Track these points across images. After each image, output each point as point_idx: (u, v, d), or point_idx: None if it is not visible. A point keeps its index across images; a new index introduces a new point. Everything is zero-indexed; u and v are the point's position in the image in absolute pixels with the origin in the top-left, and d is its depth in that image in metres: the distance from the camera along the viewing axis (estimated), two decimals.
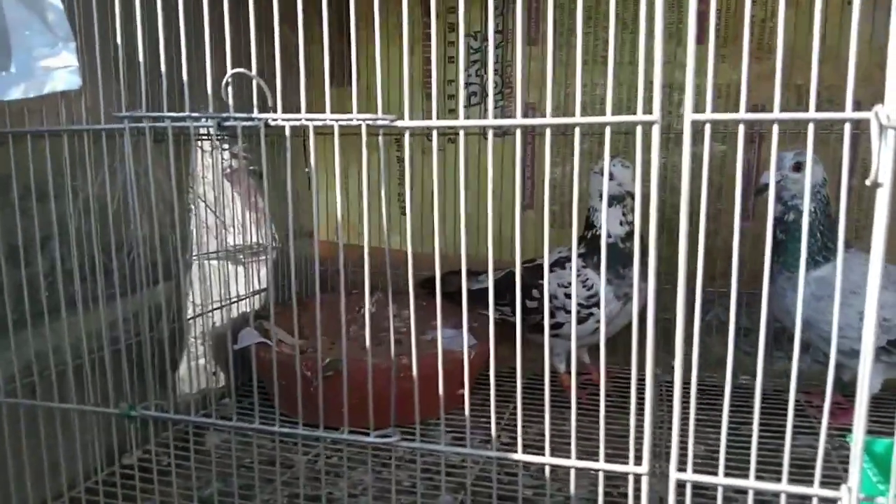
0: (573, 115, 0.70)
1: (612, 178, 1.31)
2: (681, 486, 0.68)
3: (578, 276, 1.38)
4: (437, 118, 0.72)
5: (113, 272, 0.97)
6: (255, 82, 0.78)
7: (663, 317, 0.69)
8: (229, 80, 0.79)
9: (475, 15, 1.65)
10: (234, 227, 1.47)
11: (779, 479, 0.66)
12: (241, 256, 1.48)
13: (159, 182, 1.08)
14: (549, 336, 1.37)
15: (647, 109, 0.65)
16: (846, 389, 1.38)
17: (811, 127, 0.62)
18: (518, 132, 0.72)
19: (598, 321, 1.29)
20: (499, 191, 0.71)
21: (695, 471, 0.68)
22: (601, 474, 0.74)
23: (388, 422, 0.81)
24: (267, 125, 0.78)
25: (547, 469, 0.77)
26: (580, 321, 1.36)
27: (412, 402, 0.81)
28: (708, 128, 0.64)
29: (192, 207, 1.39)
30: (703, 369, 0.74)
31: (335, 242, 0.80)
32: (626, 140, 1.51)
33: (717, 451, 0.67)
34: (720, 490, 0.68)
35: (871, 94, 0.59)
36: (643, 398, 0.68)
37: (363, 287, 0.78)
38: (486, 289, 0.79)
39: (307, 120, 0.77)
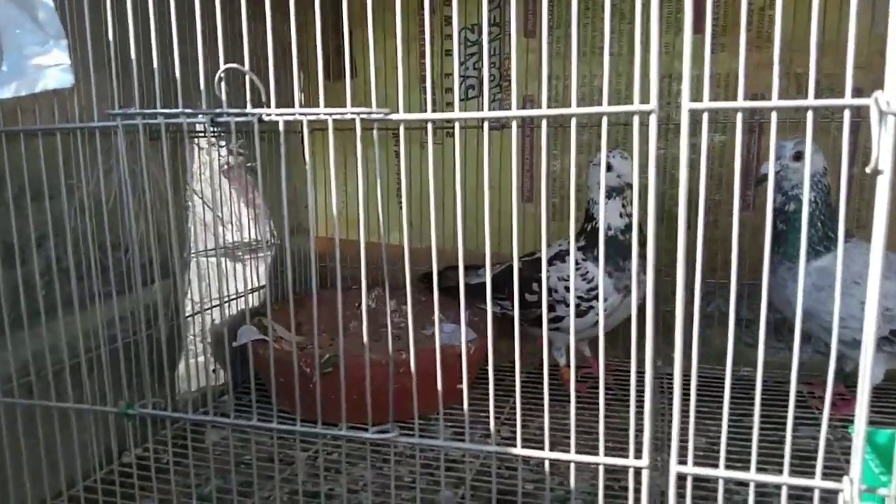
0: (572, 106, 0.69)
1: (611, 169, 1.30)
2: (681, 478, 0.68)
3: (578, 268, 1.37)
4: (434, 111, 0.71)
5: (109, 271, 0.96)
6: (248, 77, 0.77)
7: (664, 309, 0.69)
8: (222, 75, 0.78)
9: (472, 7, 1.64)
10: (231, 223, 1.47)
11: (781, 471, 0.65)
12: (239, 253, 1.47)
13: (155, 180, 1.08)
14: (551, 329, 1.37)
15: (645, 99, 0.64)
16: (848, 380, 1.38)
17: (810, 115, 0.62)
18: (514, 124, 0.72)
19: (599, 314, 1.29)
20: (497, 184, 0.71)
21: (696, 463, 0.68)
22: (601, 468, 0.73)
23: (388, 417, 0.81)
24: (261, 120, 0.77)
25: (546, 463, 0.76)
26: (581, 314, 1.35)
27: (412, 397, 0.80)
28: (706, 117, 0.63)
29: (190, 204, 1.38)
30: (704, 361, 0.73)
31: (334, 238, 0.80)
32: (625, 131, 1.50)
33: (719, 444, 0.66)
34: (721, 483, 0.67)
35: (871, 81, 0.59)
36: (643, 391, 0.67)
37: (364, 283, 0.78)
38: (485, 283, 0.78)
39: (301, 114, 0.76)
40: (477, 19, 1.65)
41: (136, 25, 0.82)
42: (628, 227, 1.34)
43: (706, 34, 0.63)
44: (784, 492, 0.66)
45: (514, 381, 0.76)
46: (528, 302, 1.37)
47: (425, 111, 0.74)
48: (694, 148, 0.62)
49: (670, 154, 1.50)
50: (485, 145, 0.71)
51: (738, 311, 1.42)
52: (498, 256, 1.46)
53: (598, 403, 0.72)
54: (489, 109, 0.71)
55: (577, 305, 1.35)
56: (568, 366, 1.44)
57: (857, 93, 0.57)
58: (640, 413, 0.68)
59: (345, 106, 0.76)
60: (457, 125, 0.72)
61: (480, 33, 1.66)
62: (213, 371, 1.41)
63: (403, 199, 0.78)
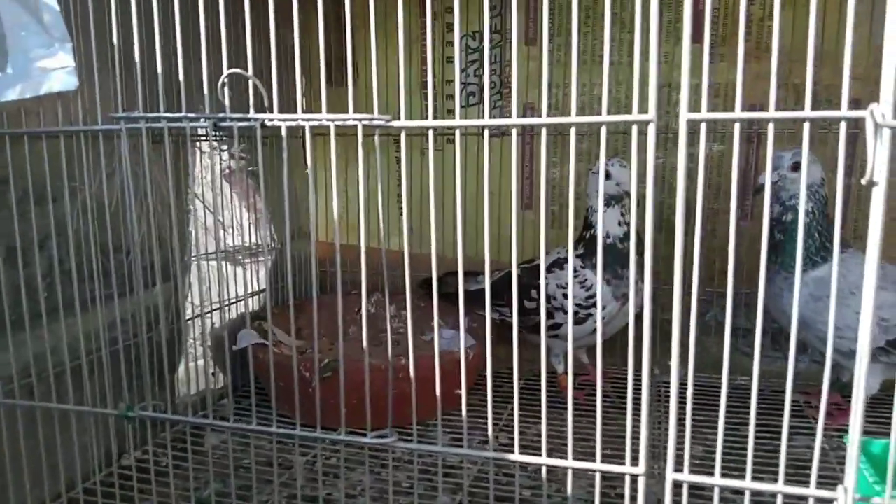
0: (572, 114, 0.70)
1: (610, 177, 1.31)
2: (677, 486, 0.68)
3: (577, 276, 1.38)
4: (435, 118, 0.72)
5: (111, 273, 0.97)
6: (251, 83, 0.78)
7: (662, 317, 0.69)
8: (226, 80, 0.79)
9: (474, 14, 1.65)
10: (232, 227, 1.48)
11: (777, 480, 0.65)
12: (240, 257, 1.48)
13: (157, 183, 1.08)
14: (549, 337, 1.38)
15: (643, 109, 0.65)
16: (845, 390, 1.38)
17: (807, 126, 0.62)
18: (514, 132, 0.72)
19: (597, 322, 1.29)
20: (497, 191, 0.71)
21: (692, 471, 0.68)
22: (598, 475, 0.73)
23: (387, 423, 0.81)
24: (263, 125, 0.78)
25: (544, 470, 0.76)
26: (580, 322, 1.36)
27: (411, 403, 0.81)
28: (703, 127, 0.64)
29: (191, 208, 1.39)
30: (701, 370, 0.74)
31: (334, 243, 0.80)
32: (624, 140, 1.51)
33: (716, 452, 0.67)
34: (716, 491, 0.68)
35: (869, 93, 0.59)
36: (640, 399, 0.68)
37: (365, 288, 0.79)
38: (484, 289, 0.79)
39: (303, 120, 0.77)
40: (478, 26, 1.66)
41: (140, 29, 0.83)
42: (627, 236, 1.35)
43: (704, 45, 0.64)
44: (779, 500, 0.66)
45: (513, 387, 0.77)
46: (527, 309, 1.37)
47: (426, 118, 0.74)
48: (692, 157, 0.62)
49: (669, 163, 1.50)
50: (485, 153, 0.72)
51: (735, 320, 1.43)
52: (497, 263, 1.47)
53: (595, 411, 0.73)
54: (490, 117, 0.71)
55: (576, 313, 1.35)
56: (566, 373, 1.44)
57: (856, 104, 0.58)
58: (636, 421, 0.69)
59: (347, 111, 0.76)
60: (457, 133, 0.72)
61: (482, 40, 1.67)
62: (213, 374, 1.42)
63: (404, 205, 0.78)
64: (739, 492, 0.68)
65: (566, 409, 0.75)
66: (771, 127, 0.64)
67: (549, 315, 1.37)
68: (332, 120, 0.76)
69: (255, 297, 1.57)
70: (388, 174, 1.74)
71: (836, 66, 0.59)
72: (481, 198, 0.73)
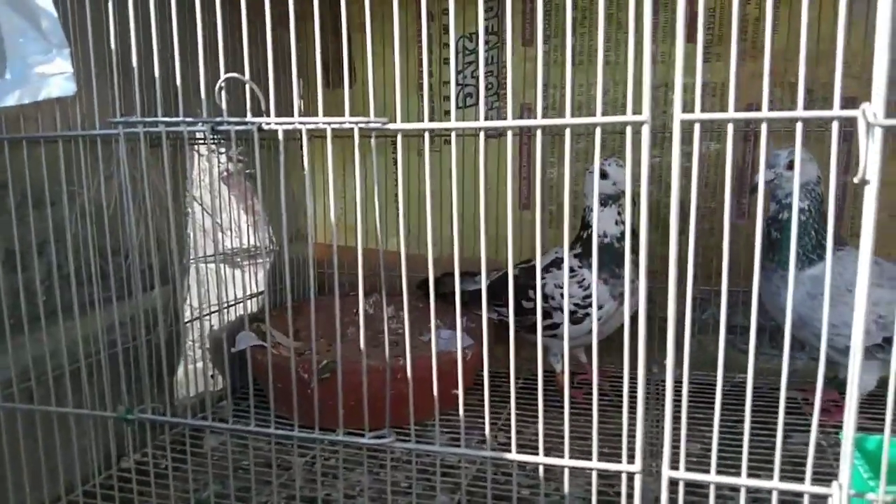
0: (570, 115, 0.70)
1: (607, 177, 1.31)
2: (673, 483, 0.69)
3: (575, 276, 1.38)
4: (432, 120, 0.72)
5: (110, 276, 0.97)
6: (248, 86, 0.78)
7: (660, 315, 0.69)
8: (223, 84, 0.79)
9: (471, 16, 1.66)
10: (231, 230, 1.48)
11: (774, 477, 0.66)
12: (239, 259, 1.48)
13: (155, 187, 1.09)
14: (547, 336, 1.38)
15: (637, 110, 0.65)
16: (842, 387, 1.38)
17: (799, 126, 0.63)
18: (509, 133, 0.73)
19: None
20: (495, 191, 0.71)
21: (689, 469, 0.69)
22: (594, 473, 0.74)
23: (385, 423, 0.82)
24: (260, 129, 0.78)
25: (541, 469, 0.77)
26: (577, 321, 1.36)
27: (409, 403, 0.81)
28: (697, 127, 0.64)
29: (190, 211, 1.39)
30: (699, 368, 0.74)
31: (337, 245, 0.81)
32: (621, 139, 1.51)
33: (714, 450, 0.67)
34: (712, 488, 0.68)
35: (867, 91, 0.60)
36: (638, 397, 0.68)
37: (362, 289, 0.79)
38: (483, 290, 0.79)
39: (300, 123, 0.77)
40: (476, 28, 1.67)
41: (137, 34, 0.83)
42: (624, 235, 1.35)
43: (698, 45, 0.65)
44: (775, 496, 0.67)
45: (511, 387, 0.77)
46: (525, 309, 1.38)
47: (423, 120, 0.75)
48: (688, 157, 0.63)
49: (666, 162, 1.51)
50: (481, 155, 0.72)
51: (733, 318, 1.43)
52: (495, 263, 1.47)
53: (594, 410, 0.73)
54: (487, 118, 0.72)
55: (574, 312, 1.36)
56: (564, 372, 1.45)
57: (852, 102, 0.58)
58: (633, 418, 0.69)
59: (344, 113, 0.77)
60: (453, 135, 0.73)
61: (478, 42, 1.68)
62: (212, 377, 1.42)
63: (400, 206, 0.79)
64: (737, 489, 0.69)
65: (565, 408, 0.76)
66: (764, 127, 0.64)
67: (548, 315, 1.38)
68: (329, 123, 0.76)
69: (254, 300, 1.57)
70: (386, 176, 1.75)
71: (832, 65, 0.59)
72: (479, 198, 0.74)
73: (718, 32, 1.54)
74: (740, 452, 0.68)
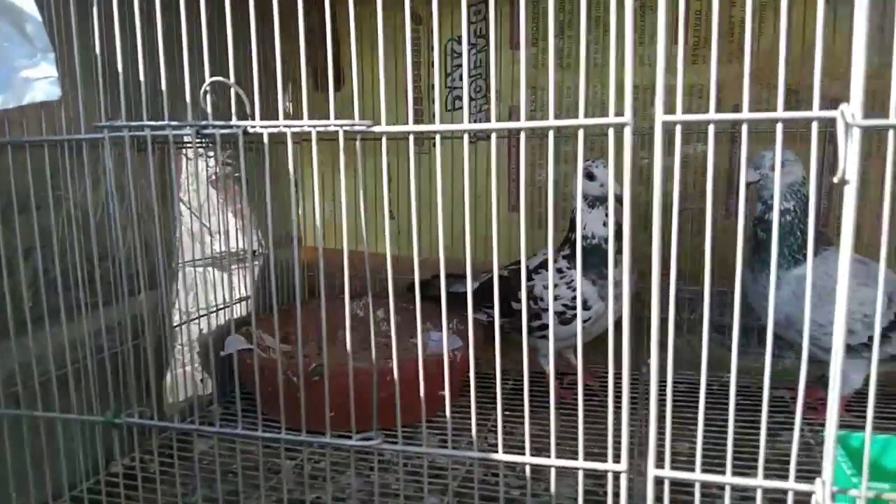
0: (557, 118, 0.71)
1: (594, 179, 1.32)
2: (659, 482, 0.69)
3: (563, 277, 1.39)
4: (421, 123, 0.73)
5: (96, 281, 0.97)
6: (232, 90, 0.78)
7: (648, 316, 0.70)
8: (208, 88, 0.79)
9: (459, 19, 1.66)
10: (219, 234, 1.48)
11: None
12: (227, 263, 1.48)
13: (142, 191, 1.08)
14: (538, 337, 1.38)
15: (619, 111, 0.66)
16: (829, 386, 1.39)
17: (779, 127, 0.63)
18: (493, 136, 0.73)
19: (584, 322, 1.30)
20: (484, 193, 0.71)
21: (676, 467, 0.69)
22: (580, 473, 0.74)
23: (374, 426, 0.82)
24: (245, 132, 0.78)
25: (528, 469, 0.77)
26: (566, 322, 1.37)
27: (399, 405, 0.81)
28: (679, 129, 0.65)
29: (177, 215, 1.39)
30: (688, 368, 0.75)
31: (325, 248, 0.81)
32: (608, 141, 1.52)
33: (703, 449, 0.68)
34: (697, 486, 0.69)
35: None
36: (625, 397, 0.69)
37: (353, 292, 0.79)
38: (473, 292, 0.80)
39: (285, 126, 0.77)
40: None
41: (123, 38, 0.83)
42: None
43: (679, 46, 0.65)
44: (759, 494, 0.67)
45: (501, 388, 0.77)
46: (514, 310, 1.38)
47: (408, 122, 0.75)
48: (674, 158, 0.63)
49: (652, 164, 1.51)
50: (465, 157, 0.72)
51: (721, 318, 1.44)
52: (486, 265, 1.47)
53: (584, 410, 0.74)
54: (475, 121, 0.72)
55: (563, 313, 1.36)
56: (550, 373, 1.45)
57: (836, 104, 0.59)
58: (619, 418, 0.69)
59: (337, 117, 0.77)
60: (437, 137, 0.73)
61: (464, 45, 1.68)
62: (201, 381, 1.42)
63: (386, 210, 0.79)
64: (724, 487, 0.69)
65: (555, 409, 0.76)
66: (745, 128, 0.65)
67: (537, 316, 1.38)
68: (314, 126, 0.77)
69: (243, 303, 1.57)
70: (375, 179, 1.75)
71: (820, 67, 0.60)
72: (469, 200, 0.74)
73: (705, 35, 1.55)
74: (726, 451, 0.69)
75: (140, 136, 0.84)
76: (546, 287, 1.40)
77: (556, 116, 0.71)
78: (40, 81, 0.83)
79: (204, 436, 1.04)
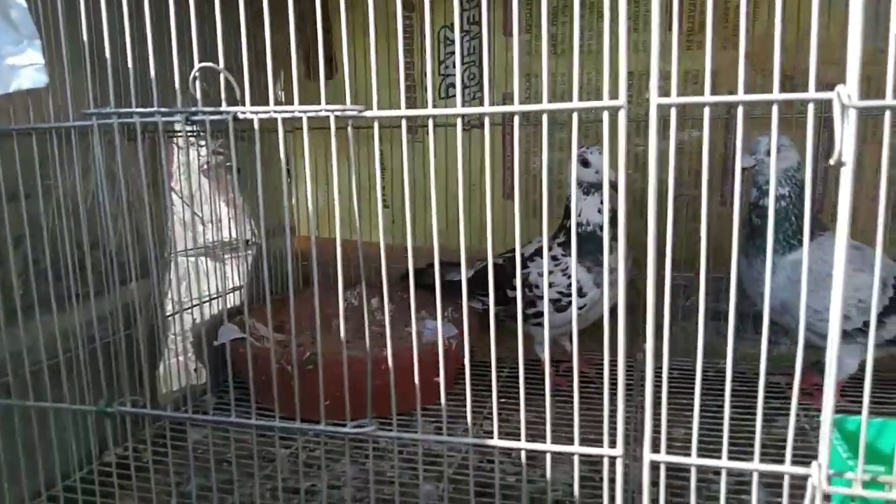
0: (553, 102, 0.70)
1: (589, 165, 1.31)
2: (655, 467, 0.69)
3: (559, 264, 1.38)
4: (412, 108, 0.72)
5: (87, 270, 0.96)
6: (222, 76, 0.77)
7: (643, 302, 0.70)
8: (197, 74, 0.78)
9: (452, 6, 1.65)
10: (212, 223, 1.47)
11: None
12: (220, 252, 1.47)
13: (133, 179, 1.07)
14: (533, 325, 1.38)
15: (614, 95, 0.65)
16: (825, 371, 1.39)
17: (775, 108, 0.63)
18: (487, 120, 0.73)
19: (579, 309, 1.29)
20: (479, 181, 0.70)
21: (671, 452, 0.69)
22: (576, 458, 0.74)
23: (369, 413, 0.81)
24: (235, 118, 0.77)
25: (523, 454, 0.77)
26: (561, 309, 1.36)
27: (394, 393, 0.81)
28: (674, 112, 0.64)
29: (169, 204, 1.38)
30: (685, 354, 0.74)
31: (319, 237, 0.80)
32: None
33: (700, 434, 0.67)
34: (693, 470, 0.69)
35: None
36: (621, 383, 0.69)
37: (348, 280, 0.79)
38: (468, 279, 0.79)
39: (275, 112, 0.76)
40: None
41: (110, 24, 0.82)
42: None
43: (674, 30, 0.65)
44: (755, 478, 0.67)
45: (497, 375, 0.77)
46: (510, 298, 1.37)
47: (401, 108, 0.74)
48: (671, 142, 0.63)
49: (647, 151, 1.51)
50: (458, 142, 0.72)
51: (717, 304, 1.44)
52: (479, 253, 1.47)
53: (580, 396, 0.73)
54: (468, 106, 0.71)
55: (558, 300, 1.36)
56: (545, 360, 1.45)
57: (832, 88, 0.58)
58: (615, 404, 0.69)
59: (330, 103, 0.76)
60: (430, 122, 0.72)
61: (461, 32, 1.67)
62: (195, 371, 1.41)
63: (379, 197, 0.78)
64: (720, 471, 0.69)
65: (551, 395, 0.76)
66: (741, 109, 0.64)
67: (532, 303, 1.38)
68: (305, 112, 0.76)
69: (236, 293, 1.56)
70: (369, 166, 1.74)
71: (819, 50, 0.59)
72: (459, 188, 0.73)
73: (700, 20, 1.54)
74: (723, 436, 0.68)
75: (129, 122, 0.83)
76: (541, 274, 1.39)
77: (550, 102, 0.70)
78: (26, 69, 0.82)
79: (197, 425, 1.04)
